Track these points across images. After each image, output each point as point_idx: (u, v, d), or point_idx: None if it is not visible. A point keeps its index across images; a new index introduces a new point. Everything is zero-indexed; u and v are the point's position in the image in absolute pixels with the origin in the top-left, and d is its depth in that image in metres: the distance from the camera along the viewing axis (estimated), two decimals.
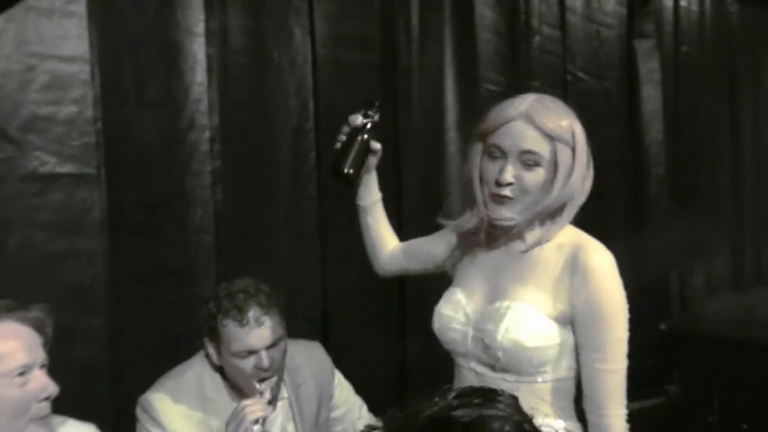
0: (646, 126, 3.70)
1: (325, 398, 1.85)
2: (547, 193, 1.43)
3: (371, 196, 1.75)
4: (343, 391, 1.90)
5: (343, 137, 1.62)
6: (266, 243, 2.53)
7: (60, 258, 2.14)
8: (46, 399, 1.42)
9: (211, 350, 1.66)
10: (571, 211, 1.47)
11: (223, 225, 2.43)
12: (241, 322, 1.60)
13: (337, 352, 2.16)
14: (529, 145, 1.41)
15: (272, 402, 1.58)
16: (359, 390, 2.11)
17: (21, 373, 1.39)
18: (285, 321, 1.73)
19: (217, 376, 1.68)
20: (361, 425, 1.94)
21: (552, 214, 1.46)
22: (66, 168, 2.15)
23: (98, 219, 2.19)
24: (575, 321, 1.43)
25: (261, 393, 1.57)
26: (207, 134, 2.41)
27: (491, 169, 1.45)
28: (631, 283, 1.42)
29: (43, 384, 1.41)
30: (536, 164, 1.42)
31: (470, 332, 1.49)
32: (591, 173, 1.48)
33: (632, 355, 1.45)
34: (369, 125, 1.62)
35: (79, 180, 2.17)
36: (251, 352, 1.61)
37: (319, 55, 2.64)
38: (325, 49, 2.66)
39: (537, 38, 3.30)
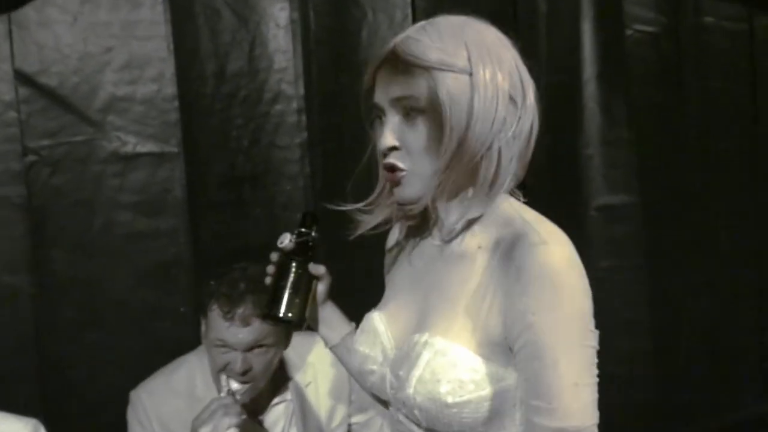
0: None
1: (342, 400, 1.65)
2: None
3: (337, 332, 1.27)
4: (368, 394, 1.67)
5: (272, 268, 1.22)
6: None
7: (143, 238, 2.16)
8: None
9: (203, 327, 1.55)
10: (501, 176, 0.99)
11: (313, 201, 2.28)
12: (226, 315, 1.45)
13: None
14: (398, 91, 0.99)
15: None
16: None
17: None
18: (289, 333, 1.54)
19: (209, 376, 1.55)
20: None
21: (464, 184, 1.00)
22: (147, 147, 2.15)
23: (180, 198, 2.17)
24: (512, 348, 0.95)
25: (228, 392, 1.40)
26: (294, 105, 2.28)
27: (377, 137, 1.05)
28: None
29: None
30: (417, 112, 0.98)
31: (388, 375, 1.06)
32: (530, 115, 1.02)
33: None
34: (305, 246, 1.22)
35: (161, 159, 2.16)
36: (228, 348, 1.46)
37: (420, 8, 2.37)
38: (427, 1, 2.37)
39: None
